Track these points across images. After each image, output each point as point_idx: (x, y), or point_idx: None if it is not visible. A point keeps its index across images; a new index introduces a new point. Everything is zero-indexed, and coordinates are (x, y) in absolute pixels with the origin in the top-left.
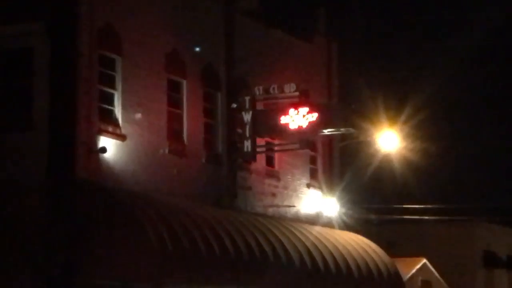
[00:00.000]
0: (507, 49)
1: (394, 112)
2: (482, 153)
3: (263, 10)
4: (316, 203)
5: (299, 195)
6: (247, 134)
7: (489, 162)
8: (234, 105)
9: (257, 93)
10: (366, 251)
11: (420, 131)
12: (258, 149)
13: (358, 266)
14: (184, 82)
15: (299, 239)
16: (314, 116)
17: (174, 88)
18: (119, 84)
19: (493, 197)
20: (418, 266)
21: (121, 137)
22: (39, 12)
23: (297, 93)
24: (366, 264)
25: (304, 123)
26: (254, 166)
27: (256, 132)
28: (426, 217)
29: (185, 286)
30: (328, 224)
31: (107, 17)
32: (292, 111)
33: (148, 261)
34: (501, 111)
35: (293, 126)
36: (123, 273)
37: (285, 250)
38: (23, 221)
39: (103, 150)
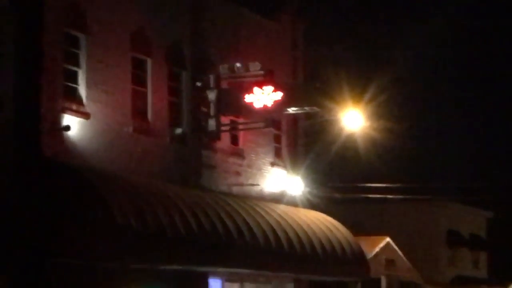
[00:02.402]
0: (476, 30)
1: (359, 92)
2: (446, 133)
3: None
4: (280, 182)
5: (264, 173)
6: (212, 113)
7: (453, 142)
8: (199, 84)
9: (222, 71)
10: (330, 230)
11: (385, 110)
12: (223, 128)
13: (322, 245)
14: (149, 61)
15: (264, 218)
16: (278, 95)
17: (139, 67)
18: (83, 62)
19: (457, 177)
20: (381, 245)
21: (85, 115)
22: None
23: (262, 72)
24: (330, 242)
25: (269, 102)
26: (218, 144)
27: (220, 110)
28: (391, 196)
29: (151, 266)
30: (292, 202)
31: None
32: (257, 89)
33: (114, 240)
34: (466, 91)
35: (257, 104)
36: (90, 252)
37: (250, 229)
38: None
39: (67, 128)
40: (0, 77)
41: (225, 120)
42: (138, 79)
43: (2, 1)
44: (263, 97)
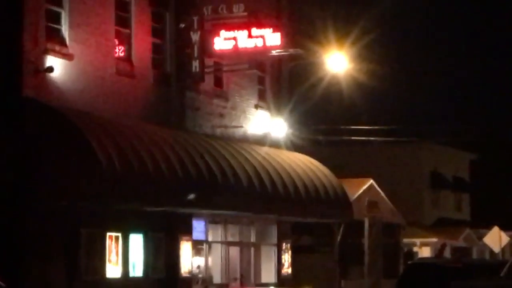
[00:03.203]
0: None
1: (343, 34)
2: (430, 75)
3: None
4: (264, 124)
5: (247, 115)
6: (195, 55)
7: (435, 85)
8: (182, 25)
9: (206, 13)
10: (313, 172)
11: (368, 52)
12: (206, 70)
13: (305, 187)
14: (132, 1)
15: (247, 160)
16: (263, 37)
17: (122, 8)
18: (66, 3)
19: (440, 119)
20: (365, 187)
21: (69, 56)
22: None
23: (245, 14)
24: (314, 184)
25: (253, 44)
26: (202, 86)
27: (204, 52)
28: (374, 138)
29: (135, 207)
30: (276, 145)
31: None
32: (240, 31)
33: (96, 181)
34: (450, 33)
35: (241, 46)
36: (71, 193)
37: (233, 171)
38: None
39: (50, 69)
40: None
41: (208, 62)
42: (122, 20)
43: None
44: (246, 39)
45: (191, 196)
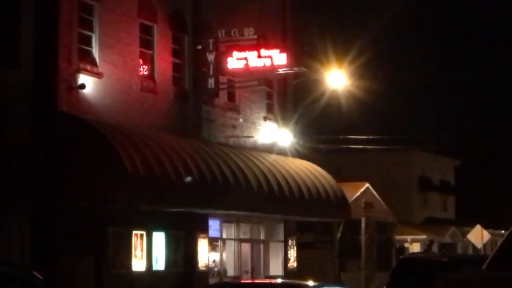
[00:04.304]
0: None
1: (342, 53)
2: (417, 90)
3: None
4: (272, 134)
5: (257, 127)
6: (211, 73)
7: (424, 99)
8: (199, 47)
9: (220, 36)
10: (316, 176)
11: (365, 70)
12: (221, 86)
13: (308, 190)
14: (155, 26)
15: (257, 166)
16: (270, 57)
17: (146, 32)
18: (96, 27)
19: (428, 129)
20: (361, 190)
21: (98, 74)
22: None
23: (255, 36)
24: (316, 188)
25: (262, 63)
26: (217, 101)
27: (218, 70)
28: (369, 147)
29: (156, 208)
30: (282, 152)
31: None
32: (251, 52)
33: (123, 185)
34: (438, 51)
35: (252, 65)
36: (100, 196)
37: (245, 176)
38: (11, 150)
39: (82, 86)
40: (22, 40)
41: (222, 79)
42: (146, 43)
43: None
44: (256, 58)
45: (188, 179)
